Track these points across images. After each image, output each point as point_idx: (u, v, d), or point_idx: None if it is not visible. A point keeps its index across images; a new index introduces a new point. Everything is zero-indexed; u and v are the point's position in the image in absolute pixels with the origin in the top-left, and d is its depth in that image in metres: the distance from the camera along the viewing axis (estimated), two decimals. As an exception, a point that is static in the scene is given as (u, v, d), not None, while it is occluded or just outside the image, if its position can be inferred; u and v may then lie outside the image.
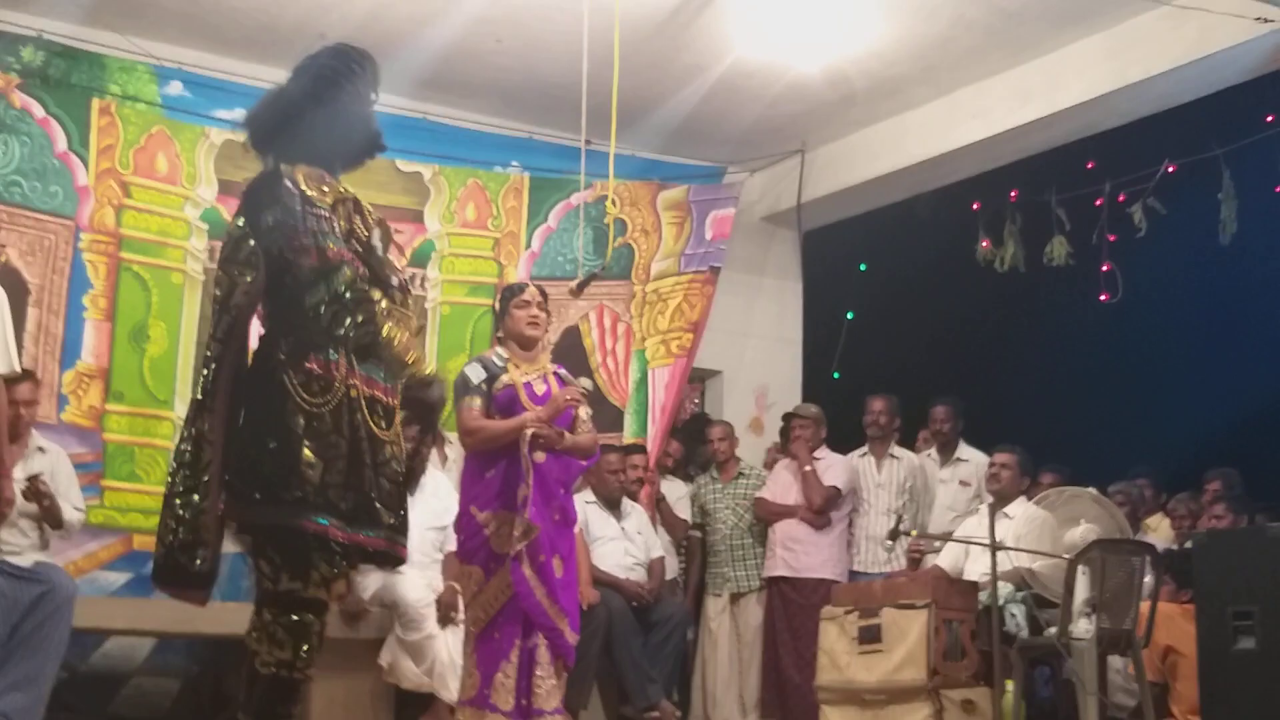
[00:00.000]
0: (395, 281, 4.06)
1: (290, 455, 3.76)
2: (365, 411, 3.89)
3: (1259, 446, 8.23)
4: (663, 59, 7.66)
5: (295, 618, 3.79)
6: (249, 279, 3.86)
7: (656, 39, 7.40)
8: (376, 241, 4.09)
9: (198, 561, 3.82)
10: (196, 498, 3.79)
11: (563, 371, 5.78)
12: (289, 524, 3.74)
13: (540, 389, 5.55)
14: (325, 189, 3.96)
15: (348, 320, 3.85)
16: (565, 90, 6.97)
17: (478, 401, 5.50)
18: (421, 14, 7.23)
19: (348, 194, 4.03)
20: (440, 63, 7.70)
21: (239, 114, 7.38)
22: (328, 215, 3.88)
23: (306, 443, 3.77)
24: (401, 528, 4.03)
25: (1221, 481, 7.43)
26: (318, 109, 4.01)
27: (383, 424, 3.95)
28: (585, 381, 5.86)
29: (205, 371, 3.88)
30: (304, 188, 3.89)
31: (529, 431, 5.36)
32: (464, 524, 5.50)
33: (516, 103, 8.15)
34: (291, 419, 3.79)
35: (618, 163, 6.99)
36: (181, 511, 3.80)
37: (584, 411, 5.66)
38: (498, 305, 5.81)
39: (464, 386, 5.54)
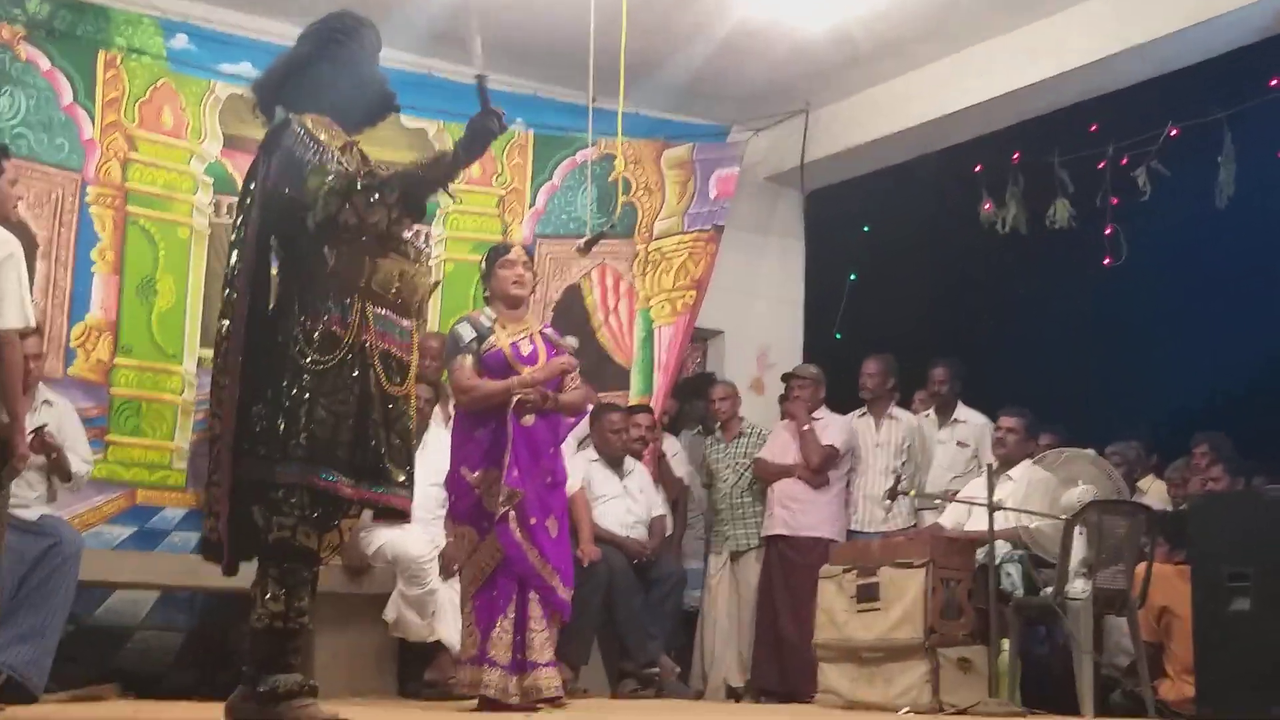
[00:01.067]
0: (405, 234, 4.10)
1: (298, 411, 3.82)
2: (379, 367, 3.94)
3: (1254, 409, 8.27)
4: (668, 17, 7.65)
5: (286, 567, 3.85)
6: (245, 237, 3.93)
7: (663, -2, 7.40)
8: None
9: (208, 531, 3.92)
10: (214, 487, 3.88)
11: (549, 331, 5.87)
12: (297, 480, 3.80)
13: (526, 349, 5.64)
14: (334, 134, 4.00)
15: (364, 264, 3.90)
16: (571, 47, 6.95)
17: (469, 360, 5.57)
18: (428, -29, 7.22)
19: (354, 142, 4.07)
20: (446, 18, 7.66)
21: (245, 68, 7.51)
22: (338, 156, 3.93)
23: (315, 399, 3.82)
24: (409, 484, 4.08)
25: (1208, 444, 7.48)
26: (325, 67, 4.07)
27: (396, 379, 4.00)
28: (571, 340, 5.91)
29: (220, 327, 3.95)
30: (312, 129, 3.93)
31: (515, 397, 5.41)
32: (454, 484, 5.59)
33: (522, 60, 8.11)
34: (299, 375, 3.84)
35: (623, 121, 7.00)
36: (207, 500, 3.91)
37: (571, 375, 5.74)
38: (484, 266, 5.86)
39: (455, 345, 5.62)
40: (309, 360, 3.85)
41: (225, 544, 3.92)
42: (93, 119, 7.13)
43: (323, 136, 3.94)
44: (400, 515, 4.17)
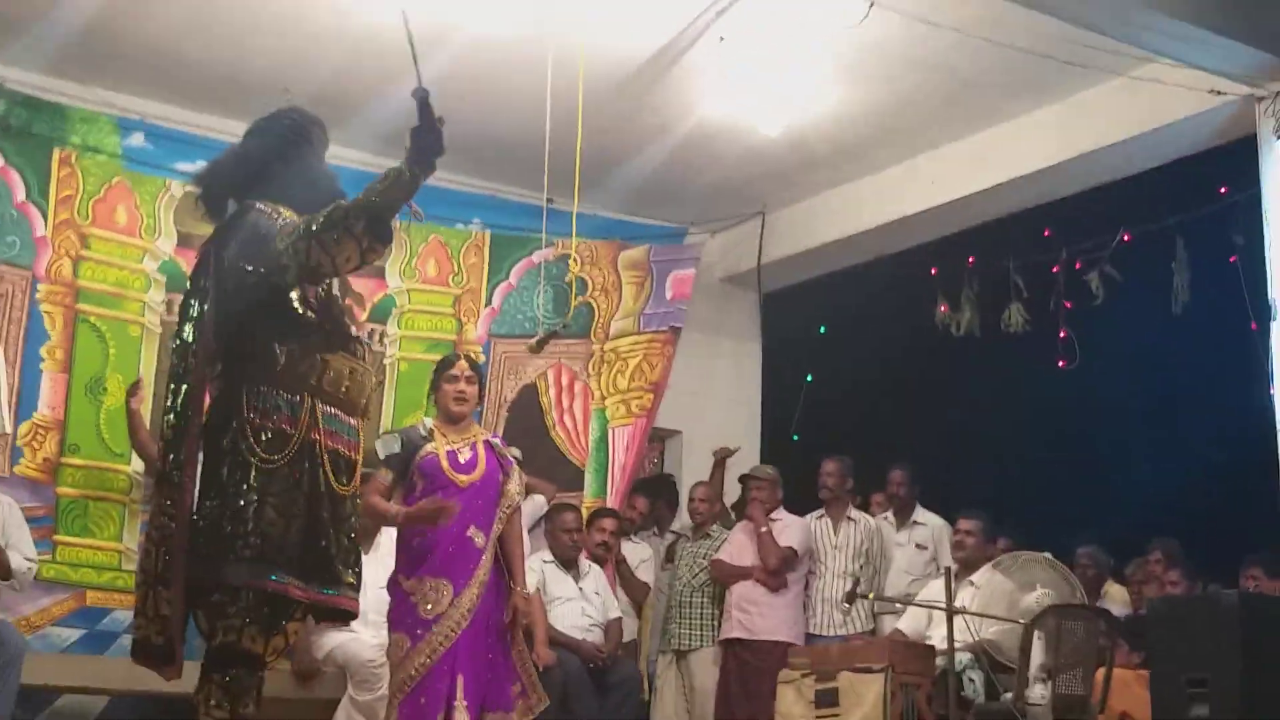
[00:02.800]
0: (354, 332, 4.08)
1: (247, 511, 3.75)
2: (327, 466, 3.88)
3: (1209, 513, 8.30)
4: (625, 119, 7.71)
5: (231, 674, 3.76)
6: (195, 335, 3.88)
7: (620, 99, 7.46)
8: (336, 291, 4.12)
9: (146, 634, 3.83)
10: (163, 588, 3.79)
11: (495, 440, 5.90)
12: (245, 582, 3.72)
13: (465, 456, 5.70)
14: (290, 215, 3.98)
15: (315, 362, 3.86)
16: (528, 148, 6.99)
17: (388, 477, 5.66)
18: (385, 70, 7.23)
19: None
20: (402, 119, 7.57)
21: (201, 166, 7.47)
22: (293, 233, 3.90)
23: (265, 499, 3.76)
24: (357, 585, 4.01)
25: (1162, 550, 7.50)
26: (276, 163, 4.06)
27: (344, 479, 3.95)
28: (515, 451, 5.97)
29: (169, 452, 3.86)
30: (271, 209, 3.92)
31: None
32: (391, 591, 5.58)
33: (479, 160, 8.15)
34: (247, 474, 3.78)
35: (579, 221, 7.03)
36: (151, 603, 3.81)
37: (513, 486, 5.75)
38: (432, 375, 5.92)
39: (374, 460, 5.66)
40: (257, 459, 3.78)
41: (178, 647, 3.82)
42: (45, 216, 7.09)
43: (284, 212, 3.93)
44: (347, 616, 4.09)
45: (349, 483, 3.99)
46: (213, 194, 4.14)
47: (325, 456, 3.89)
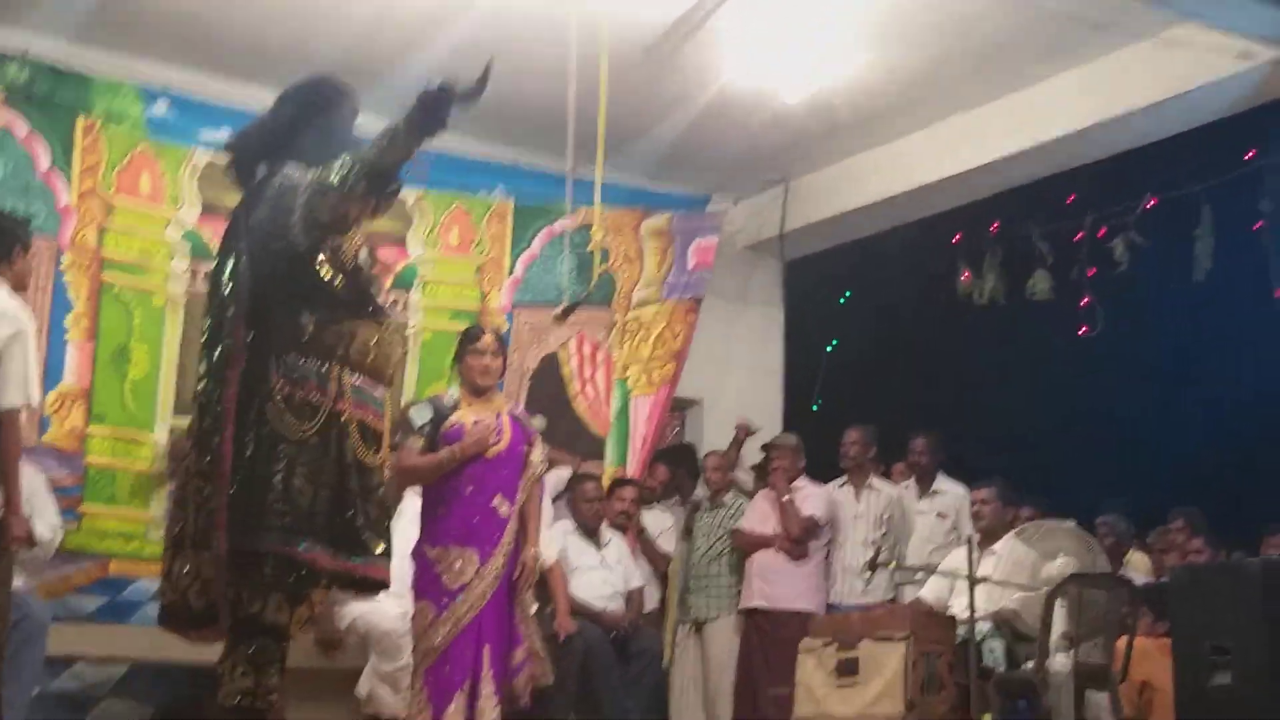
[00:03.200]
0: (381, 300, 4.08)
1: (275, 481, 3.76)
2: (355, 436, 3.90)
3: (1231, 480, 8.27)
4: (648, 88, 7.68)
5: (257, 644, 3.78)
6: (229, 298, 3.87)
7: (643, 68, 7.42)
8: (363, 259, 4.11)
9: (182, 598, 3.84)
10: (204, 551, 3.80)
11: (519, 411, 5.91)
12: (275, 550, 3.74)
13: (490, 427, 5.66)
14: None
15: (341, 330, 3.86)
16: (551, 117, 6.96)
17: (419, 444, 5.64)
18: (408, 39, 7.24)
19: None
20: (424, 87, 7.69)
21: (225, 135, 7.42)
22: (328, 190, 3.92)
23: (293, 468, 3.77)
24: (387, 554, 4.03)
25: (1184, 518, 7.48)
26: (306, 132, 4.04)
27: (372, 449, 3.96)
28: (539, 421, 5.96)
29: (204, 415, 3.87)
30: (296, 175, 3.91)
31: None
32: (417, 559, 5.59)
33: (502, 129, 8.14)
34: (277, 444, 3.79)
35: (602, 190, 7.01)
36: (180, 567, 3.82)
37: (536, 456, 5.78)
38: (456, 346, 5.91)
39: (407, 427, 5.70)
40: (286, 429, 3.80)
41: (221, 609, 3.84)
42: (69, 185, 7.10)
43: (309, 176, 3.93)
44: (378, 585, 4.11)
45: (377, 453, 4.00)
46: (242, 160, 4.14)
47: (353, 426, 3.90)
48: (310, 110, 4.16)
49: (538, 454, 5.79)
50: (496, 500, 5.59)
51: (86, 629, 6.59)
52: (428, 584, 5.52)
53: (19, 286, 5.05)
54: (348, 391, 3.91)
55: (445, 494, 5.57)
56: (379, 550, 4.00)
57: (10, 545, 4.72)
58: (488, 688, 5.44)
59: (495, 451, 5.64)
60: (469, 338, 5.88)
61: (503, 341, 5.91)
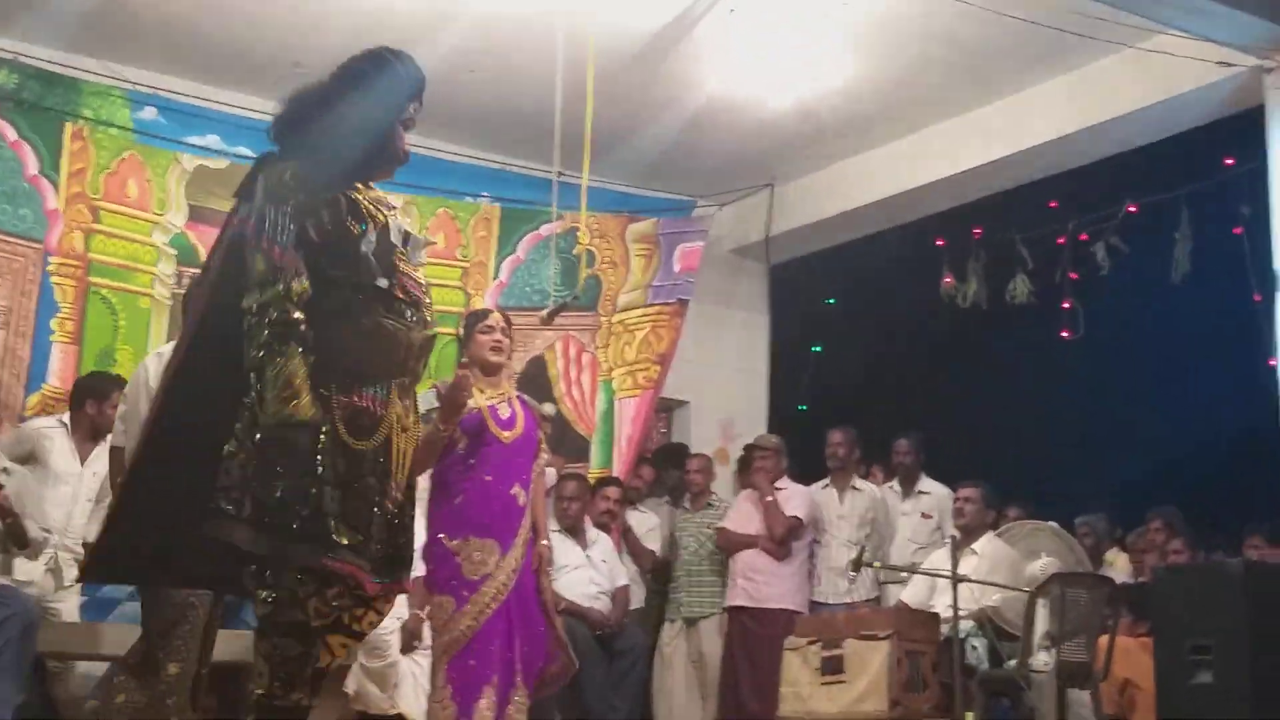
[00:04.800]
0: (384, 283, 3.88)
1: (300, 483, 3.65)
2: (340, 425, 3.74)
3: (1212, 481, 8.34)
4: (635, 92, 7.73)
5: (277, 642, 3.73)
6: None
7: (630, 73, 7.48)
8: (371, 238, 3.92)
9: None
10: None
11: (525, 397, 5.82)
12: (306, 561, 3.64)
13: (505, 413, 5.56)
14: (300, 185, 3.82)
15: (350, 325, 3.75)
16: (538, 122, 7.02)
17: (426, 430, 5.51)
18: (396, 43, 7.19)
19: (344, 194, 3.81)
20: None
21: (212, 140, 7.54)
22: (290, 213, 3.77)
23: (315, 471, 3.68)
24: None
25: (1162, 519, 7.54)
26: (333, 109, 3.83)
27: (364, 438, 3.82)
28: (549, 407, 5.85)
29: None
30: (281, 180, 3.74)
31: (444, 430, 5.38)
32: (433, 552, 5.46)
33: (489, 134, 8.20)
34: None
35: (588, 194, 7.05)
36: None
37: (543, 442, 5.72)
38: (462, 330, 5.81)
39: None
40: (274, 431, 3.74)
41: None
42: (57, 189, 7.13)
43: (286, 190, 3.74)
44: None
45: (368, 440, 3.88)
46: (275, 135, 4.00)
47: (337, 414, 3.78)
48: (347, 83, 3.86)
49: (543, 440, 5.69)
50: (515, 489, 5.44)
51: (74, 628, 6.56)
52: (446, 576, 5.33)
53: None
54: (340, 384, 3.82)
55: (463, 483, 5.39)
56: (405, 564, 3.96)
57: None
58: (519, 680, 5.34)
59: (511, 437, 5.48)
60: (477, 316, 5.73)
61: (509, 321, 5.74)
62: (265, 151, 3.87)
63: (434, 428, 5.29)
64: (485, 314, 5.74)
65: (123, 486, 3.94)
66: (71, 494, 6.34)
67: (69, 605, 6.43)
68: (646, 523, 8.24)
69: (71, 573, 6.33)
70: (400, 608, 6.51)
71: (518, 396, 5.69)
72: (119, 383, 6.49)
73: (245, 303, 3.64)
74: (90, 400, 6.28)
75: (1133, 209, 8.21)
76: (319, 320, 3.72)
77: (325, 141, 3.82)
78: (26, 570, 6.18)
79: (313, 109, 3.84)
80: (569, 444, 8.21)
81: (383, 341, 3.78)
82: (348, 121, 3.85)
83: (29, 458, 6.39)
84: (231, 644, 5.80)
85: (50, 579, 6.34)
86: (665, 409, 9.35)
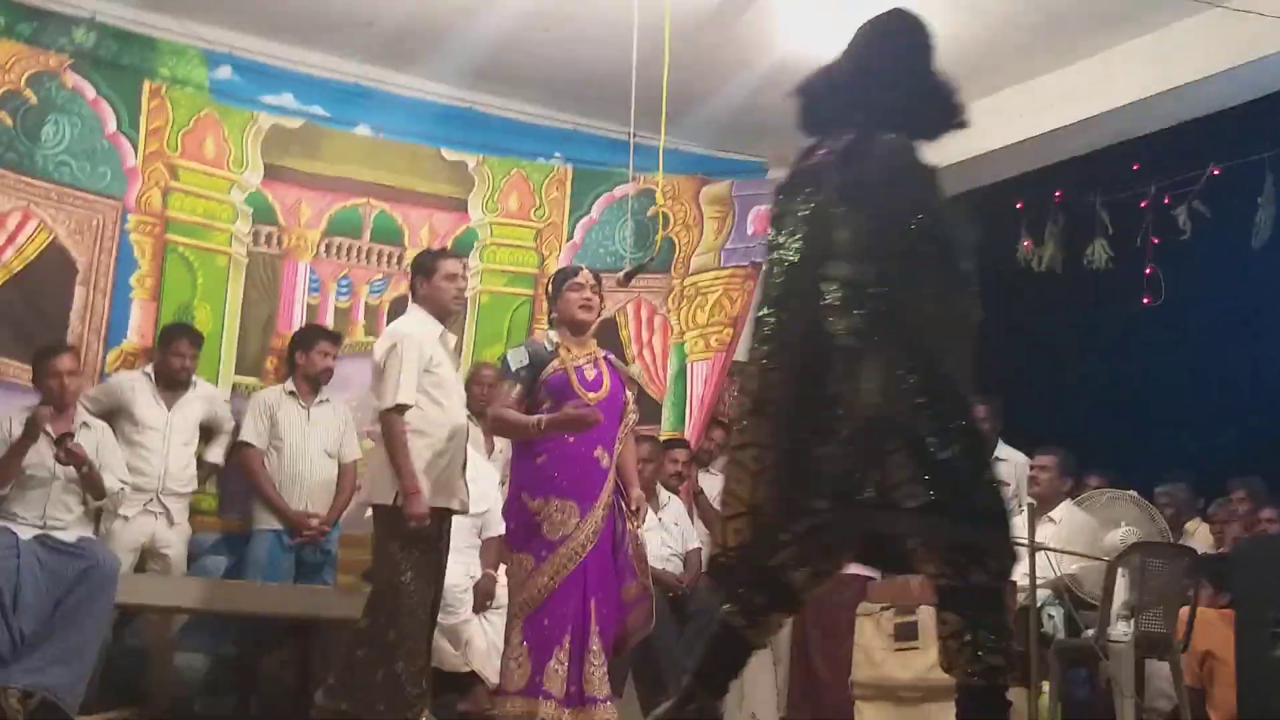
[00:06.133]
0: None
1: None
2: None
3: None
4: (710, 53, 7.66)
5: None
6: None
7: (705, 32, 7.39)
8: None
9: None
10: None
11: (613, 357, 5.79)
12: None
13: (591, 374, 5.55)
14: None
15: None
16: (612, 82, 6.97)
17: (516, 389, 5.49)
18: (470, 4, 7.25)
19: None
20: (488, 53, 7.72)
21: (287, 99, 7.57)
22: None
23: None
24: None
25: (1245, 490, 7.42)
26: (886, 76, 3.76)
27: None
28: (635, 368, 5.85)
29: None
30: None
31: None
32: (514, 510, 5.46)
33: (562, 94, 8.16)
34: None
35: (663, 157, 7.00)
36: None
37: (631, 404, 5.71)
38: (550, 289, 5.79)
39: (505, 370, 5.57)
40: None
41: None
42: (135, 148, 7.18)
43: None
44: None
45: None
46: (811, 107, 3.91)
47: None
48: (877, 52, 3.81)
49: (632, 402, 5.70)
50: (598, 451, 5.46)
51: (150, 580, 6.63)
52: (527, 535, 5.37)
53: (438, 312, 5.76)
54: None
55: (545, 443, 5.40)
56: None
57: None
58: (595, 644, 5.34)
59: (596, 399, 5.49)
60: (566, 274, 5.74)
61: (599, 280, 5.75)
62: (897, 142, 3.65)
63: (534, 427, 5.35)
64: (575, 271, 5.72)
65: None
66: (163, 439, 6.63)
67: (178, 550, 6.67)
68: (718, 485, 8.19)
69: (178, 514, 6.65)
70: (474, 565, 6.55)
71: (605, 357, 5.67)
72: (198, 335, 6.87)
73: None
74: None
75: (1216, 172, 8.03)
76: None
77: (896, 108, 3.71)
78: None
79: (853, 81, 3.72)
80: (641, 407, 8.18)
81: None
82: (914, 82, 3.77)
83: (115, 411, 6.55)
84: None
85: (159, 521, 6.58)
86: (737, 372, 9.29)
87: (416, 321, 5.73)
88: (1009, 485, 7.73)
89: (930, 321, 3.53)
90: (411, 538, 5.40)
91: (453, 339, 5.93)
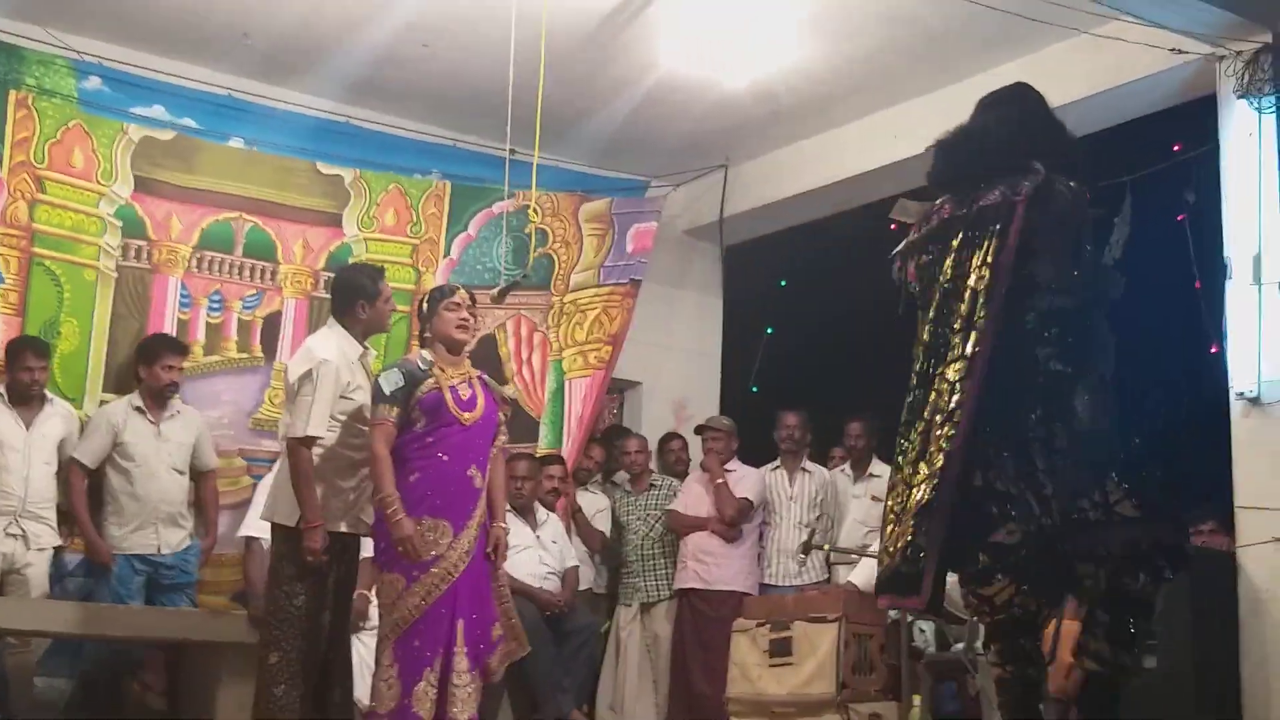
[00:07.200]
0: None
1: None
2: None
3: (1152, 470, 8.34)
4: (590, 71, 7.68)
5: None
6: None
7: (584, 51, 7.42)
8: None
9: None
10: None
11: (487, 377, 5.76)
12: None
13: (465, 394, 5.52)
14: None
15: None
16: (491, 99, 6.96)
17: (394, 412, 5.40)
18: (350, 18, 7.20)
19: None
20: (367, 67, 7.68)
21: (158, 111, 7.44)
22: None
23: None
24: None
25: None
26: (1052, 131, 4.32)
27: None
28: (510, 389, 5.84)
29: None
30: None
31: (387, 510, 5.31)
32: (385, 530, 5.42)
33: (441, 110, 8.13)
34: None
35: (541, 173, 7.01)
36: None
37: (499, 417, 5.68)
38: (425, 307, 5.72)
39: (379, 395, 5.44)
40: None
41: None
42: (0, 159, 7.00)
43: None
44: None
45: None
46: (958, 169, 4.34)
47: None
48: (1021, 112, 4.36)
49: (502, 423, 5.68)
50: (471, 470, 5.42)
51: (10, 603, 6.46)
52: (398, 555, 5.28)
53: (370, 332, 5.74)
54: None
55: (418, 461, 5.37)
56: None
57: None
58: (463, 664, 5.28)
59: (471, 419, 5.46)
60: (442, 293, 5.67)
61: (474, 299, 5.72)
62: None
63: (388, 504, 5.29)
64: (452, 290, 5.67)
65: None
66: (22, 458, 6.50)
67: (38, 570, 6.49)
68: (597, 504, 8.22)
69: (36, 537, 6.46)
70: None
71: (479, 377, 5.64)
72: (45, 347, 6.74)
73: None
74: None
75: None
76: None
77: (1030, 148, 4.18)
78: None
79: (1006, 139, 4.24)
80: (518, 424, 8.16)
81: None
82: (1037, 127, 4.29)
83: None
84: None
85: (18, 543, 6.42)
86: (618, 390, 9.33)
87: (336, 344, 5.59)
88: (882, 501, 7.83)
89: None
90: (307, 565, 5.35)
91: (373, 357, 5.84)
